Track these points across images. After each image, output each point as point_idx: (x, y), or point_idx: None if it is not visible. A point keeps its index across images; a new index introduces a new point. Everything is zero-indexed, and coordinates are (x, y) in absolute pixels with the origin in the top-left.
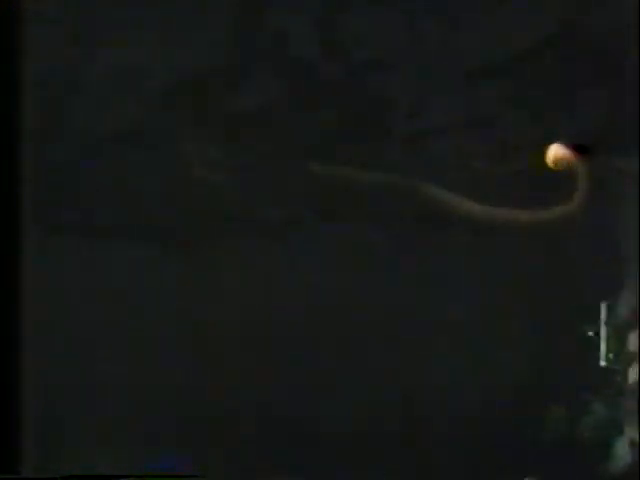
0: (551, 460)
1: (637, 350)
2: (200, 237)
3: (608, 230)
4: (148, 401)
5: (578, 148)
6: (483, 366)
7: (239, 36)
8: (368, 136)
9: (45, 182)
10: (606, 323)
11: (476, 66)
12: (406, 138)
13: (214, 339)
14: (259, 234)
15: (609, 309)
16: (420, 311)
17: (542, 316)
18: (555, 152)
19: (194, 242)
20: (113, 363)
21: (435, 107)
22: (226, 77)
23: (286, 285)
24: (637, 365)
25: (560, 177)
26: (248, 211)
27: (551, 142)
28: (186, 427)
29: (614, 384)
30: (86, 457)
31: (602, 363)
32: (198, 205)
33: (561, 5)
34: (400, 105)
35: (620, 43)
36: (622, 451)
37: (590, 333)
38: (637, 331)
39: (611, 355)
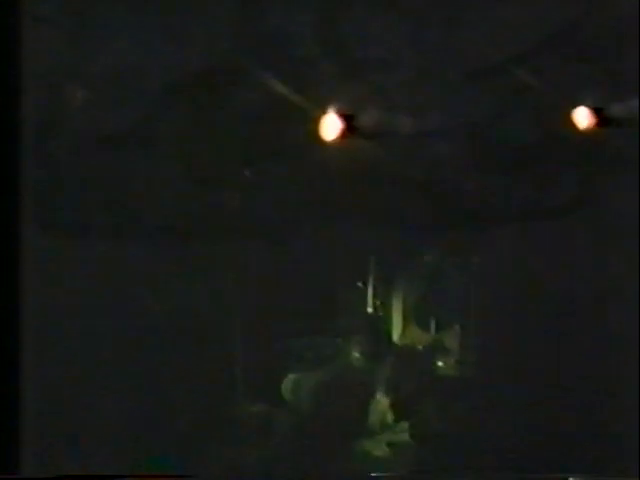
0: None
1: (400, 299)
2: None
3: None
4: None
5: None
6: None
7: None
8: None
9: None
10: (373, 274)
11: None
12: None
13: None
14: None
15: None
16: None
17: None
18: None
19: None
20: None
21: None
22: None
23: None
24: (400, 313)
25: None
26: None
27: None
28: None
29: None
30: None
31: (369, 310)
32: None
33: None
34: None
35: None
36: None
37: (359, 283)
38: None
39: (378, 302)
